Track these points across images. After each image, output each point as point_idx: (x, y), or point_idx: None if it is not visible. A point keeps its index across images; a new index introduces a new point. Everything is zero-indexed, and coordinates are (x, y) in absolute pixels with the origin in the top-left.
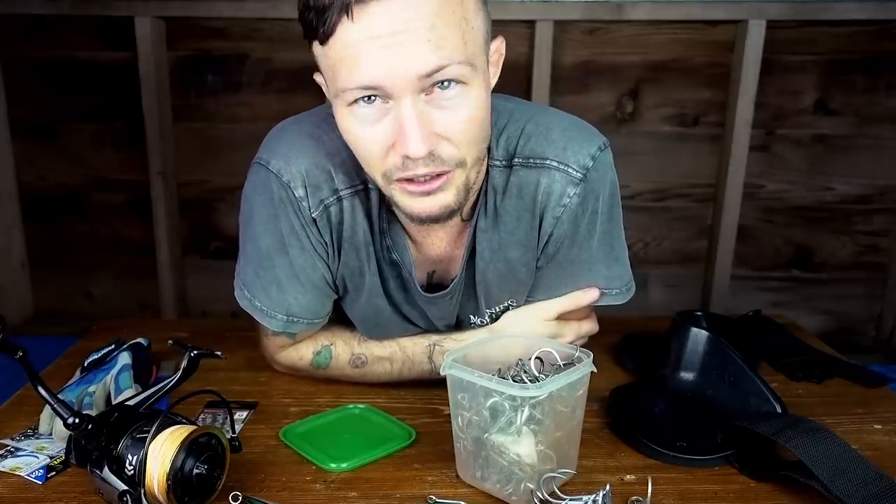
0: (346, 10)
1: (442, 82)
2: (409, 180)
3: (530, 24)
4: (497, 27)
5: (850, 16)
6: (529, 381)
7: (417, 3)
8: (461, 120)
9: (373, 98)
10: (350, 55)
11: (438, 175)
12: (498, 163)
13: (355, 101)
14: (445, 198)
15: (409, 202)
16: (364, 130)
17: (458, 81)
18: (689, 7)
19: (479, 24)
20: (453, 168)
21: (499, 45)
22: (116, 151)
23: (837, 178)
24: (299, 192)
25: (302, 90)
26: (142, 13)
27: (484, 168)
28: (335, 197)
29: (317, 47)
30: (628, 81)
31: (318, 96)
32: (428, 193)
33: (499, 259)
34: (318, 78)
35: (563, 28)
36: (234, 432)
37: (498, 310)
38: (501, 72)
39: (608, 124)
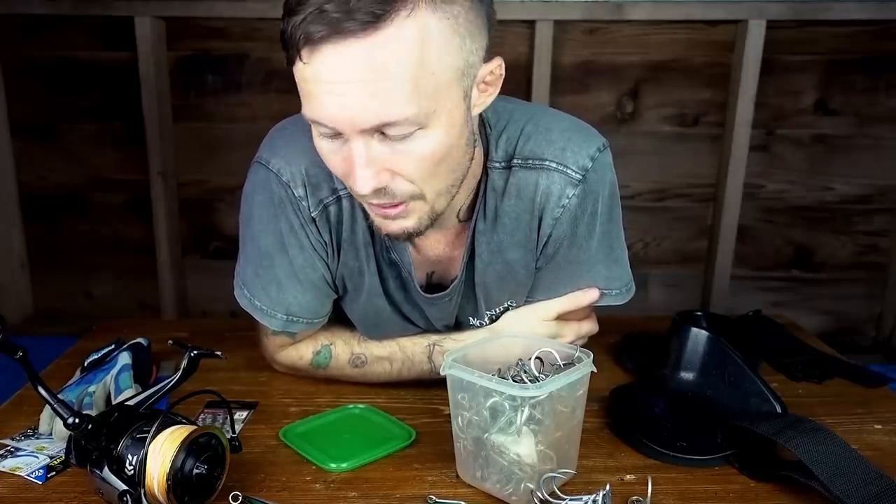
0: (298, 49)
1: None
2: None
3: (530, 24)
4: (497, 27)
5: (850, 16)
6: (529, 381)
7: (366, 55)
8: (415, 159)
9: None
10: (304, 88)
11: (394, 205)
12: (497, 164)
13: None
14: (405, 224)
15: (374, 219)
16: (328, 150)
17: (411, 125)
18: (689, 7)
19: (450, 58)
20: (409, 201)
21: (494, 67)
22: (116, 151)
23: (837, 178)
24: (299, 192)
25: None
26: (142, 13)
27: (468, 184)
28: (334, 196)
29: None
30: (628, 81)
31: None
32: (385, 217)
33: (498, 261)
34: None
35: (563, 28)
36: (234, 432)
37: (497, 311)
38: None
39: (608, 124)
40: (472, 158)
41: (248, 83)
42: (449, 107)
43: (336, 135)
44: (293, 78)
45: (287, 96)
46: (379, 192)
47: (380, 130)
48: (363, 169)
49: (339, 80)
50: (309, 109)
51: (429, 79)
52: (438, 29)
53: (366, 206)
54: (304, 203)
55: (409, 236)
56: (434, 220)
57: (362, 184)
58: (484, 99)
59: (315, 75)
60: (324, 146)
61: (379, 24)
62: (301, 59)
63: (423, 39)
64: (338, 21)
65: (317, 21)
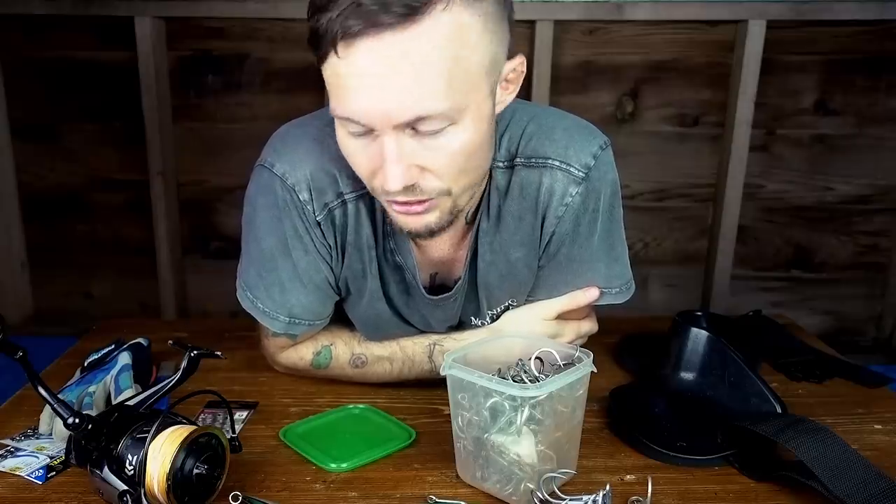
0: (333, 44)
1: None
2: (393, 201)
3: (530, 24)
4: None
5: (851, 16)
6: (529, 381)
7: (402, 48)
8: (446, 155)
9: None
10: (337, 84)
11: (420, 202)
12: (500, 163)
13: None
14: (428, 219)
15: (395, 216)
16: (355, 149)
17: (444, 120)
18: (689, 7)
19: (479, 54)
20: (436, 197)
21: (517, 65)
22: (116, 151)
23: (837, 178)
24: (304, 196)
25: (302, 90)
26: (142, 13)
27: (483, 184)
28: (339, 200)
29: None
30: (628, 81)
31: (318, 96)
32: (408, 213)
33: (500, 260)
34: None
35: (563, 28)
36: (234, 432)
37: (499, 311)
38: None
39: (608, 124)
40: (493, 157)
41: (248, 83)
42: (479, 102)
43: (366, 132)
44: (293, 78)
45: (287, 96)
46: (408, 189)
47: (412, 126)
48: (395, 165)
49: (375, 74)
50: (341, 105)
51: (462, 74)
52: (471, 24)
53: (385, 203)
54: (308, 207)
55: (431, 233)
56: (454, 218)
57: (393, 180)
58: (506, 97)
59: (350, 69)
60: (350, 145)
61: (415, 18)
62: (337, 54)
63: (457, 34)
64: (374, 14)
65: (353, 15)
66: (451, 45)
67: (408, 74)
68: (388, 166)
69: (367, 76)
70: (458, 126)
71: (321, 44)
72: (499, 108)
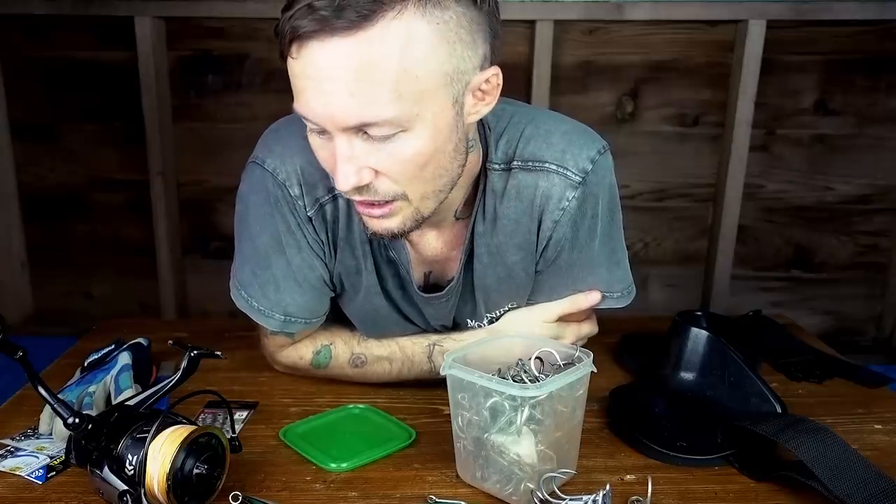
0: (289, 43)
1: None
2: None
3: (530, 24)
4: None
5: (851, 16)
6: (529, 381)
7: (350, 53)
8: (397, 161)
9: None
10: (294, 83)
11: (379, 204)
12: (497, 166)
13: None
14: (388, 224)
15: (360, 216)
16: (317, 146)
17: (392, 126)
18: (689, 7)
19: (431, 68)
20: (393, 200)
21: (490, 76)
22: (116, 151)
23: (837, 178)
24: (295, 191)
25: None
26: (142, 13)
27: (472, 175)
28: (331, 195)
29: None
30: (628, 81)
31: None
32: (369, 216)
33: (498, 263)
34: None
35: (563, 28)
36: (234, 432)
37: (496, 315)
38: (501, 72)
39: (608, 124)
40: (462, 165)
41: (248, 83)
42: (434, 111)
43: (323, 130)
44: None
45: (287, 96)
46: (361, 189)
47: (362, 129)
48: (344, 165)
49: (323, 77)
50: (297, 104)
51: (411, 82)
52: (425, 33)
53: (353, 203)
54: (300, 202)
55: (394, 236)
56: (420, 223)
57: (342, 180)
58: (480, 108)
59: (302, 71)
60: (314, 141)
61: (365, 24)
62: (291, 55)
63: (407, 42)
64: (325, 18)
65: (305, 16)
66: (399, 53)
67: (353, 80)
68: (338, 166)
69: (316, 79)
70: (409, 133)
71: (281, 42)
72: (471, 119)
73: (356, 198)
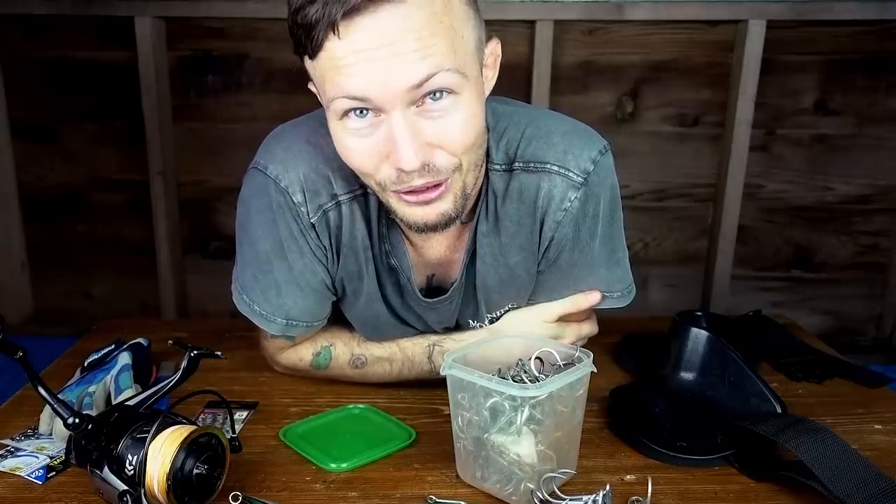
0: (332, 27)
1: (433, 93)
2: (406, 191)
3: (530, 24)
4: (497, 27)
5: (851, 16)
6: (529, 381)
7: (403, 14)
8: (454, 128)
9: (364, 112)
10: (338, 67)
11: (436, 185)
12: (498, 167)
13: (346, 113)
14: (443, 206)
15: (406, 211)
16: (356, 143)
17: (448, 91)
18: (689, 7)
19: (468, 32)
20: (450, 175)
21: (494, 48)
22: (116, 151)
23: (837, 178)
24: (297, 198)
25: (302, 90)
26: (142, 13)
27: (482, 172)
28: (334, 202)
29: (307, 61)
30: (628, 81)
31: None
32: (425, 203)
33: (500, 264)
34: (311, 87)
35: (563, 28)
36: (234, 432)
37: (497, 315)
38: (501, 72)
39: (608, 124)
40: (490, 159)
41: (248, 83)
42: (475, 75)
43: (368, 123)
44: (293, 78)
45: (287, 96)
46: (423, 169)
47: (421, 96)
48: (409, 142)
49: (380, 45)
50: (343, 86)
51: (459, 42)
52: (458, 3)
53: (394, 199)
54: (302, 209)
55: (447, 222)
56: (462, 209)
57: (408, 159)
58: (488, 83)
59: (352, 47)
60: (348, 141)
61: None
62: (337, 36)
63: (450, 7)
64: None
65: None
66: (447, 16)
67: (411, 39)
68: (401, 144)
69: (372, 49)
70: (460, 98)
71: (313, 33)
72: (487, 89)
73: (417, 182)
